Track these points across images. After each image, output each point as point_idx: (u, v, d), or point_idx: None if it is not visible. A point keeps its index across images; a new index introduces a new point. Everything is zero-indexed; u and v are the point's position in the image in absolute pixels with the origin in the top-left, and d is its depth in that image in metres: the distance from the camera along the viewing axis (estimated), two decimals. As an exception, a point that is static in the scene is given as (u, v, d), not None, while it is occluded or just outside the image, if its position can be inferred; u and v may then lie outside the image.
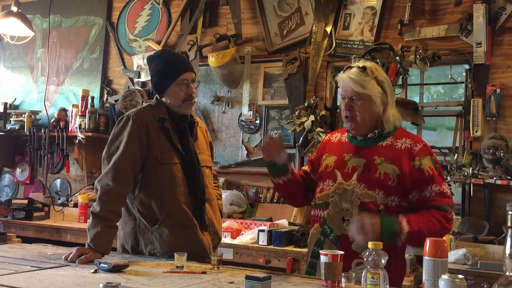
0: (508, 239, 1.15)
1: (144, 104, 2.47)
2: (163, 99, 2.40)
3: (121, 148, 2.27)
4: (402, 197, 1.99)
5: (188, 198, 2.34)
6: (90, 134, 4.51)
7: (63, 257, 2.12)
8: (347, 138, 2.15)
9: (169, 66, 2.36)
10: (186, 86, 2.35)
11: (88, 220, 2.29)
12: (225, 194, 3.96)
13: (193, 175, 2.35)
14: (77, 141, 4.53)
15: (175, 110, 2.38)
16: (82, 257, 2.08)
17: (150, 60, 2.46)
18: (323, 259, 1.71)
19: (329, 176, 2.08)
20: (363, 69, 2.03)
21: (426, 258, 1.56)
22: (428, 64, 3.40)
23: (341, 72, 2.15)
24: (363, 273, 1.62)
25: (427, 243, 1.57)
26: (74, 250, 2.14)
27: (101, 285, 1.55)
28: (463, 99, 3.66)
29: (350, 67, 2.08)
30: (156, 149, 2.31)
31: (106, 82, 4.94)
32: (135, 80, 4.75)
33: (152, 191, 2.32)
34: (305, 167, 2.33)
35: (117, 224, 2.27)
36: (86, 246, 2.16)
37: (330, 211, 2.02)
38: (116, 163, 2.25)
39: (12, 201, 4.49)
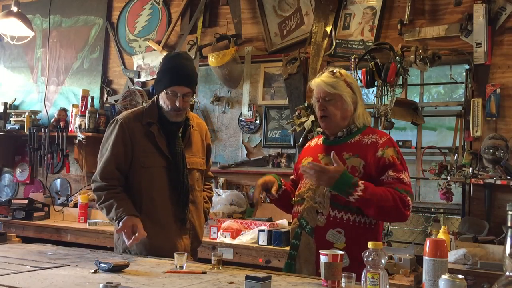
0: (508, 239, 1.15)
1: (138, 107, 2.52)
2: (159, 99, 2.44)
3: (109, 150, 2.37)
4: None
5: (170, 201, 2.39)
6: (90, 134, 4.52)
7: (128, 244, 2.21)
8: (322, 140, 2.33)
9: (167, 72, 2.38)
10: (175, 97, 2.35)
11: (102, 214, 2.40)
12: (225, 194, 3.96)
13: (177, 178, 2.39)
14: (77, 141, 4.53)
15: (164, 114, 2.41)
16: (137, 227, 2.20)
17: (164, 58, 2.50)
18: (323, 259, 1.71)
19: None
20: (333, 72, 2.23)
21: (426, 258, 1.56)
22: (428, 64, 3.39)
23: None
24: (363, 273, 1.62)
25: (427, 243, 1.57)
26: (123, 229, 2.21)
27: (101, 285, 1.55)
28: (463, 99, 3.66)
29: (322, 73, 2.28)
30: (140, 153, 2.37)
31: (106, 82, 4.94)
32: (135, 80, 4.75)
33: (133, 193, 2.38)
34: (292, 176, 2.48)
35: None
36: (118, 224, 2.23)
37: (306, 205, 2.19)
38: (103, 165, 2.36)
39: (12, 201, 4.49)
